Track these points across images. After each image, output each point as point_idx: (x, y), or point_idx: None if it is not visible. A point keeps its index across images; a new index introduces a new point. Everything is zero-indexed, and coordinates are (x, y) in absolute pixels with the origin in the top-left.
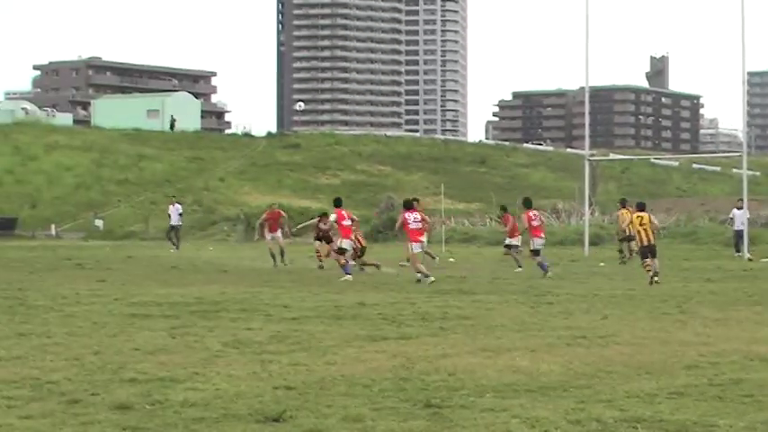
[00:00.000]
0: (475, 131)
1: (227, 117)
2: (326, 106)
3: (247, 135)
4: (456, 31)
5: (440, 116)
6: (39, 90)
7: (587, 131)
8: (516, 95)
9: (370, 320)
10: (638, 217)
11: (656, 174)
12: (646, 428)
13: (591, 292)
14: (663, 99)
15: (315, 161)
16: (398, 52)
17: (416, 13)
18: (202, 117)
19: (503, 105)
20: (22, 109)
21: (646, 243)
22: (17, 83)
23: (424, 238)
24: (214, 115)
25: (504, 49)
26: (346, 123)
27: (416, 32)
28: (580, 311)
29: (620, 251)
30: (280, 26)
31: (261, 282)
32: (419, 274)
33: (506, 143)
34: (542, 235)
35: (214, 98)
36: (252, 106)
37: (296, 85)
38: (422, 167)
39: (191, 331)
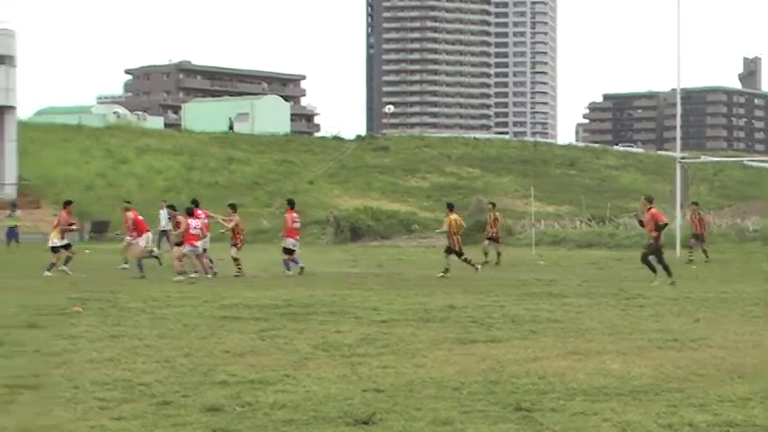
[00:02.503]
0: (565, 134)
1: (317, 120)
2: (415, 109)
3: (337, 138)
4: (545, 33)
5: (529, 118)
6: (130, 94)
7: (678, 133)
8: (607, 97)
9: (459, 323)
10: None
11: (748, 175)
12: None
13: (682, 294)
14: (756, 100)
15: (404, 164)
16: (488, 54)
17: (506, 15)
18: (292, 120)
19: (593, 107)
20: (114, 113)
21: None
22: (110, 87)
23: (199, 243)
24: (303, 118)
25: (594, 50)
26: (435, 126)
27: (506, 34)
28: (671, 314)
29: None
30: (369, 29)
31: (350, 284)
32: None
33: (596, 145)
34: (297, 237)
35: (303, 101)
36: (341, 109)
37: (385, 88)
38: (511, 170)
39: (280, 334)
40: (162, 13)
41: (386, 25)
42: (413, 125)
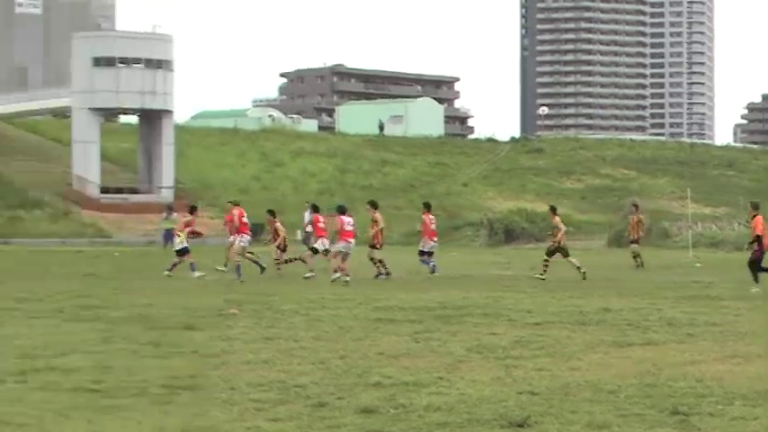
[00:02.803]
0: (722, 134)
1: (470, 122)
2: (570, 110)
3: (491, 140)
4: (702, 33)
5: (686, 119)
6: (285, 97)
7: None
8: (766, 97)
9: (615, 326)
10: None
11: None
12: None
13: None
14: None
15: (558, 166)
16: (643, 55)
17: (662, 15)
18: (445, 122)
19: (751, 108)
20: (269, 116)
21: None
22: (265, 90)
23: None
24: (457, 120)
25: (753, 49)
26: (590, 127)
27: (662, 35)
28: None
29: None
30: (523, 31)
31: (503, 286)
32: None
33: (755, 146)
34: (436, 238)
35: (457, 103)
36: (495, 111)
37: (539, 89)
38: (667, 171)
39: (434, 336)
40: (317, 16)
41: (540, 27)
42: (567, 126)
